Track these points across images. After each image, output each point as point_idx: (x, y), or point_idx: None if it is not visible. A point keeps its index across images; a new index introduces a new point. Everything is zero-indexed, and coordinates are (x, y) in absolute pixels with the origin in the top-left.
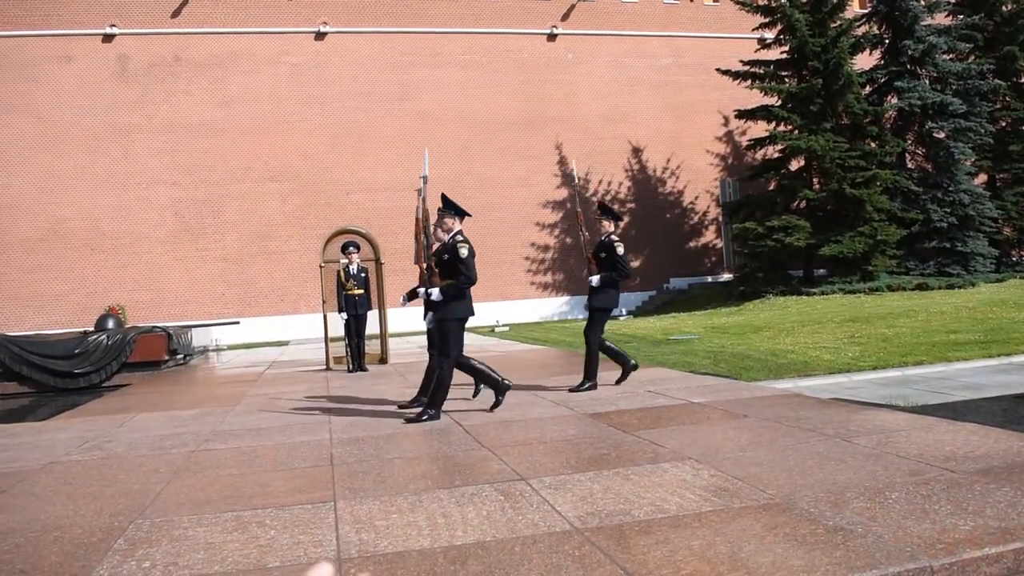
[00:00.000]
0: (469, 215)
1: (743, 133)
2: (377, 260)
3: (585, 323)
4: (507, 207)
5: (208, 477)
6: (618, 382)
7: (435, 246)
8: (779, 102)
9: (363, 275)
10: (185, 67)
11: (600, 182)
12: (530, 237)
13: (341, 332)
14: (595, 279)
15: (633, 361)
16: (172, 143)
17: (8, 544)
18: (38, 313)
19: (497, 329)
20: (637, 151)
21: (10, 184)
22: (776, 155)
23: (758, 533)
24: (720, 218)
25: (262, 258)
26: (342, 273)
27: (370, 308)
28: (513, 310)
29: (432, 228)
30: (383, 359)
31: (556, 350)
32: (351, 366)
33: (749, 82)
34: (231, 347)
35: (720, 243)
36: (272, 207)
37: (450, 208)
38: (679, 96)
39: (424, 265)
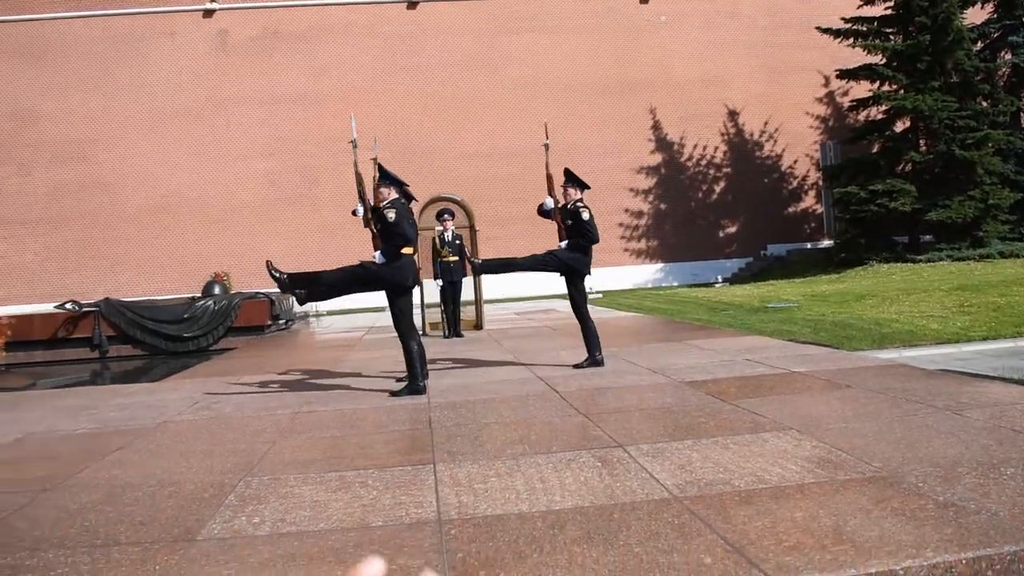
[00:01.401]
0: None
1: (845, 94)
2: (472, 227)
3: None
4: (599, 173)
5: (311, 438)
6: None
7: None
8: (883, 60)
9: (458, 242)
10: (282, 40)
11: (695, 147)
12: (623, 203)
13: (437, 298)
14: (562, 245)
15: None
16: (270, 114)
17: (128, 497)
18: (149, 280)
19: (590, 296)
20: (733, 114)
21: (124, 158)
22: (880, 116)
23: (864, 507)
24: (820, 182)
25: (357, 226)
26: (437, 240)
27: (465, 275)
28: (606, 277)
29: (376, 191)
30: (478, 325)
31: (650, 317)
32: (447, 332)
33: (851, 40)
34: (330, 312)
35: (820, 208)
36: (367, 176)
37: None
38: (776, 57)
39: (372, 228)
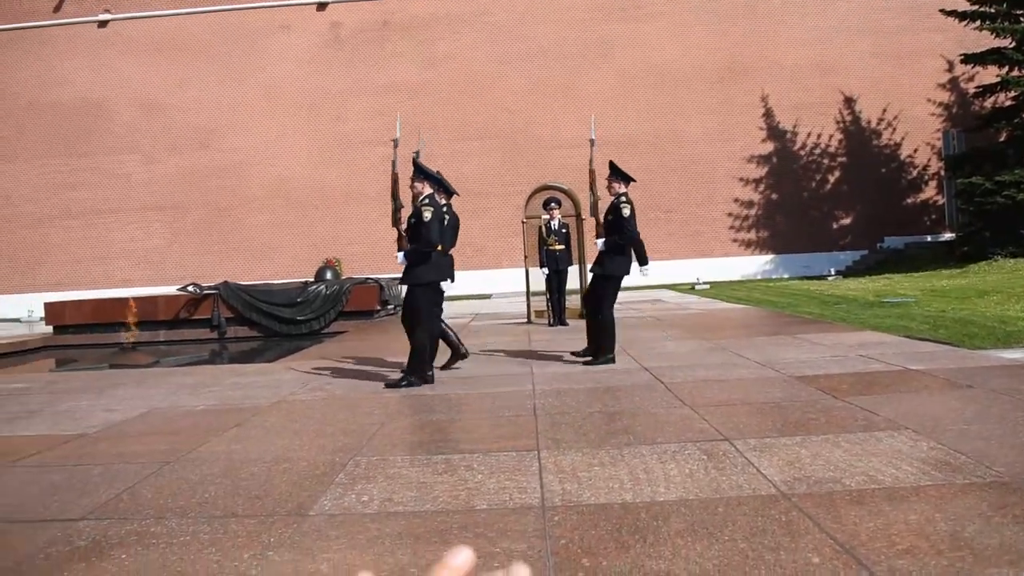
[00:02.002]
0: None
1: (970, 79)
2: (578, 216)
3: (589, 289)
4: (708, 162)
5: (419, 421)
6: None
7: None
8: (1013, 44)
9: (564, 231)
10: (392, 31)
11: (809, 135)
12: (733, 193)
13: (542, 286)
14: (599, 243)
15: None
16: (381, 105)
17: (245, 472)
18: (264, 264)
19: (697, 287)
20: (849, 101)
21: (242, 146)
22: (1008, 103)
23: (983, 512)
24: (942, 172)
25: (465, 214)
26: (544, 228)
27: (571, 263)
28: (714, 268)
29: (411, 187)
30: (583, 314)
31: (759, 310)
32: (552, 320)
33: (977, 23)
34: None
35: (941, 200)
36: (475, 164)
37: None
38: (897, 41)
39: (400, 228)
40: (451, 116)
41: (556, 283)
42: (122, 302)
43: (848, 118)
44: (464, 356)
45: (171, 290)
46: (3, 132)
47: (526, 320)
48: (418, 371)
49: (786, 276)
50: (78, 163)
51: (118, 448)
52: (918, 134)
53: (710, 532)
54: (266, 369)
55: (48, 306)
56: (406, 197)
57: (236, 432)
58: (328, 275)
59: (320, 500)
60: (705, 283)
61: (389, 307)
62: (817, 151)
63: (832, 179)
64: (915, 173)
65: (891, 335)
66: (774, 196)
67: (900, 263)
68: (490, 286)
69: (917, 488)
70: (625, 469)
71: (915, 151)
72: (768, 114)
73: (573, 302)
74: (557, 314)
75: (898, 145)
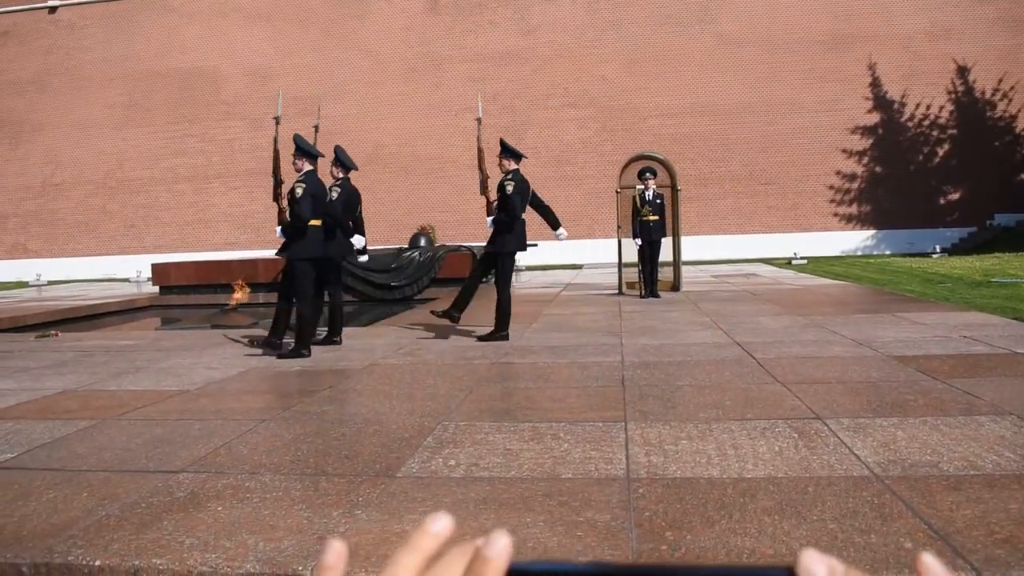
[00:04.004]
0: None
1: None
2: (673, 187)
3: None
4: (811, 133)
5: (507, 388)
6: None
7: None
8: None
9: (659, 201)
10: None
11: (918, 106)
12: (835, 165)
13: (635, 257)
14: (488, 220)
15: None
16: (479, 72)
17: (336, 433)
18: None
19: (794, 262)
20: (962, 71)
21: (341, 113)
22: None
23: None
24: None
25: (559, 183)
26: (638, 199)
27: (664, 235)
28: (812, 242)
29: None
30: (675, 286)
31: (858, 286)
32: (643, 292)
33: None
34: (528, 268)
35: None
36: (570, 133)
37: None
38: (1019, 5)
39: (280, 203)
40: (547, 84)
41: (649, 254)
42: (226, 271)
43: (960, 88)
44: (336, 343)
45: (271, 254)
46: (118, 99)
47: (617, 291)
48: (306, 342)
49: (888, 252)
50: (188, 129)
51: (217, 405)
52: None
53: (798, 511)
54: (360, 333)
55: (155, 267)
56: (287, 173)
57: (329, 393)
58: (422, 242)
59: (407, 462)
60: (802, 258)
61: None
62: (926, 123)
63: (941, 152)
64: None
65: (998, 316)
66: (878, 169)
67: (1011, 241)
68: (582, 256)
69: (1020, 476)
70: (713, 444)
71: None
72: (875, 83)
73: (666, 274)
74: (649, 286)
75: (1014, 117)
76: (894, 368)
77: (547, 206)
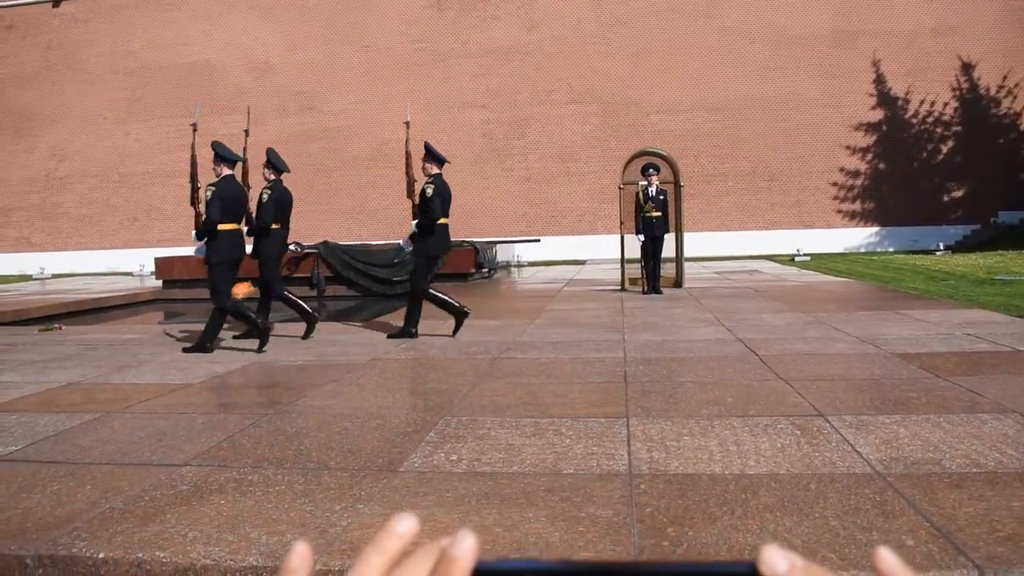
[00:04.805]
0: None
1: None
2: (676, 183)
3: None
4: (815, 129)
5: (509, 384)
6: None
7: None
8: None
9: (662, 197)
10: None
11: (922, 103)
12: (839, 162)
13: (637, 254)
14: (413, 224)
15: (465, 308)
16: (483, 67)
17: (339, 427)
18: (362, 225)
19: (798, 258)
20: (967, 67)
21: (344, 109)
22: None
23: None
24: None
25: (563, 179)
26: (641, 195)
27: (667, 231)
28: (815, 239)
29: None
30: (678, 283)
31: (861, 283)
32: (646, 288)
33: None
34: (531, 264)
35: None
36: (574, 128)
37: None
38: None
39: (197, 208)
40: (550, 79)
41: (651, 250)
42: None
43: (965, 85)
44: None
45: None
46: (119, 94)
47: (620, 288)
48: (211, 339)
49: (891, 250)
50: (188, 122)
51: (220, 399)
52: None
53: (800, 508)
54: (362, 328)
55: (158, 261)
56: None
57: (332, 388)
58: None
59: (410, 457)
60: (805, 255)
61: (484, 271)
62: (930, 119)
63: (944, 149)
64: None
65: (1001, 314)
66: (881, 166)
67: (1014, 239)
68: (585, 252)
69: (1022, 474)
70: (715, 440)
71: None
72: (879, 80)
73: (669, 270)
74: (651, 282)
75: (1018, 114)
76: (897, 365)
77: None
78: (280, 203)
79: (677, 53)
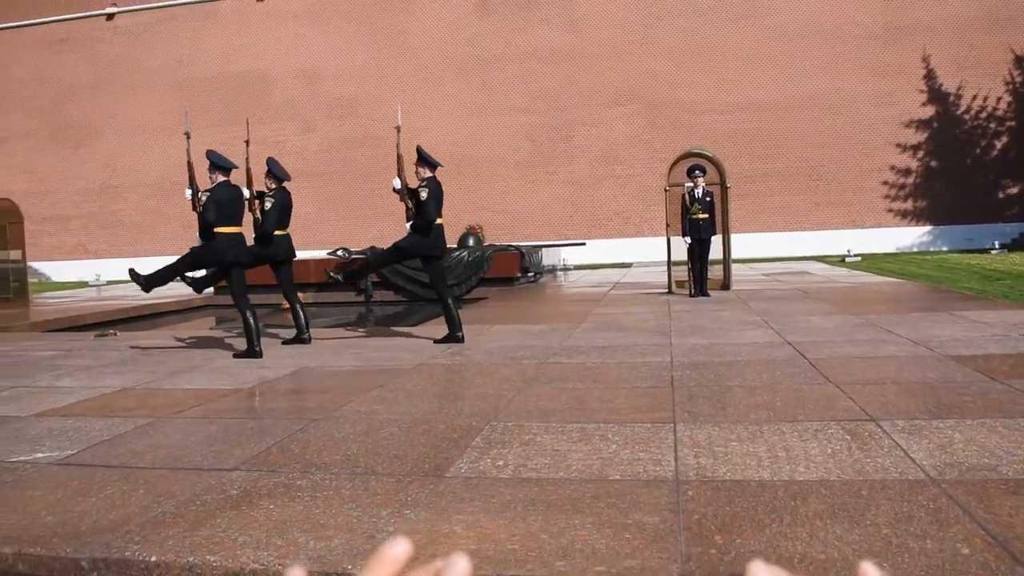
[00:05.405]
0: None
1: None
2: (723, 184)
3: None
4: (863, 127)
5: (555, 388)
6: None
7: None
8: None
9: (708, 199)
10: None
11: (975, 98)
12: (889, 160)
13: (684, 256)
14: (408, 226)
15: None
16: (528, 71)
17: (385, 432)
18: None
19: (848, 259)
20: (1020, 60)
21: (389, 114)
22: None
23: None
24: None
25: (608, 181)
26: (687, 197)
27: (714, 233)
28: (866, 239)
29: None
30: (726, 285)
31: (913, 284)
32: (693, 291)
33: None
34: (577, 267)
35: None
36: (619, 130)
37: (422, 160)
38: None
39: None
40: (595, 81)
41: (698, 252)
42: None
43: (1019, 79)
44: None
45: (321, 254)
46: (171, 103)
47: (667, 290)
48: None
49: (945, 249)
50: (238, 131)
51: (269, 404)
52: None
53: (851, 515)
54: (409, 332)
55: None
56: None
57: (378, 393)
58: (471, 241)
59: (456, 463)
60: (856, 255)
61: (529, 274)
62: (983, 115)
63: (999, 145)
64: None
65: None
66: (933, 163)
67: None
68: (631, 255)
69: None
70: (763, 446)
71: None
72: (930, 75)
73: (716, 272)
74: (699, 284)
75: None
76: (951, 368)
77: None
78: (283, 210)
79: (722, 52)
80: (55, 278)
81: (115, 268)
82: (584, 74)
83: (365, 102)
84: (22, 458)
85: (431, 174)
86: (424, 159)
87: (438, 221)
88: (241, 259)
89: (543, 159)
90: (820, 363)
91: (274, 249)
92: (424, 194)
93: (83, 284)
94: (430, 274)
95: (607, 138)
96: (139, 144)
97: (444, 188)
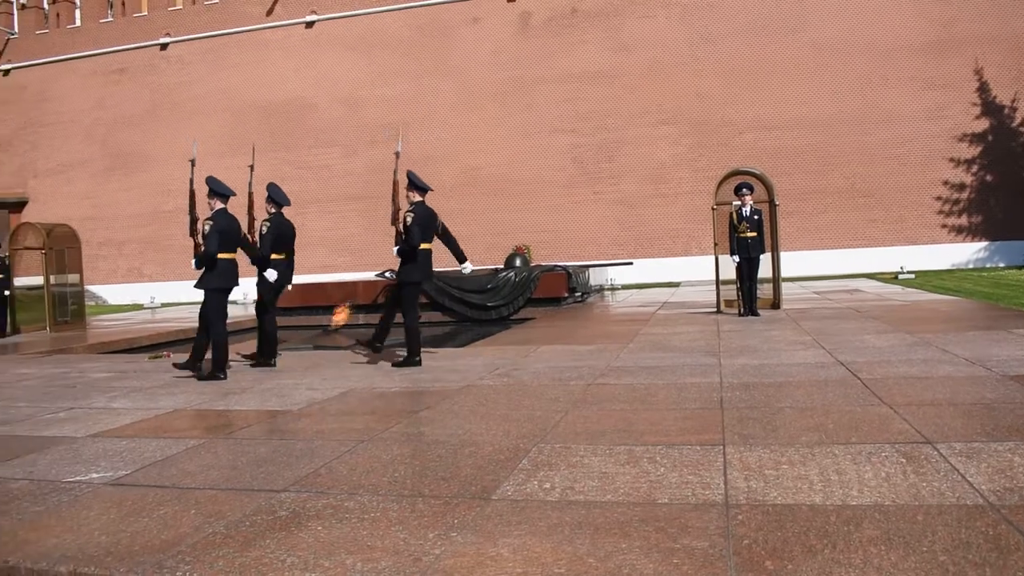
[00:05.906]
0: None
1: None
2: (771, 202)
3: None
4: (914, 143)
5: (603, 410)
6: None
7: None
8: None
9: (756, 217)
10: (581, 18)
11: None
12: (942, 175)
13: (732, 275)
14: (394, 251)
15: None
16: (571, 92)
17: (432, 454)
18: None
19: (901, 276)
20: None
21: (434, 137)
22: None
23: None
24: None
25: (655, 200)
26: (735, 215)
27: (763, 251)
28: (919, 256)
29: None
30: (776, 304)
31: (970, 302)
32: (742, 310)
33: None
34: (624, 287)
35: None
36: (665, 150)
37: (412, 185)
38: None
39: (196, 238)
40: (640, 101)
41: (747, 271)
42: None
43: None
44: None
45: (369, 276)
46: (219, 130)
47: (715, 310)
48: (219, 367)
49: (1001, 265)
50: (284, 156)
51: (318, 425)
52: None
53: (907, 542)
54: (457, 354)
55: None
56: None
57: (426, 414)
58: (517, 262)
59: (503, 485)
60: (910, 272)
61: (577, 294)
62: None
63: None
64: None
65: None
66: (988, 178)
67: None
68: (679, 274)
69: None
70: (815, 469)
71: None
72: (983, 88)
73: (765, 291)
74: (748, 304)
75: None
76: (1010, 388)
77: (452, 238)
78: (280, 235)
79: (768, 70)
80: (111, 301)
81: (168, 291)
82: (628, 94)
83: (410, 126)
84: (78, 478)
85: (420, 198)
86: (414, 183)
87: (424, 246)
88: (231, 286)
89: (589, 179)
90: (873, 383)
91: (281, 278)
92: (409, 219)
93: (138, 307)
94: (402, 299)
95: (653, 157)
96: (188, 169)
97: (490, 209)
